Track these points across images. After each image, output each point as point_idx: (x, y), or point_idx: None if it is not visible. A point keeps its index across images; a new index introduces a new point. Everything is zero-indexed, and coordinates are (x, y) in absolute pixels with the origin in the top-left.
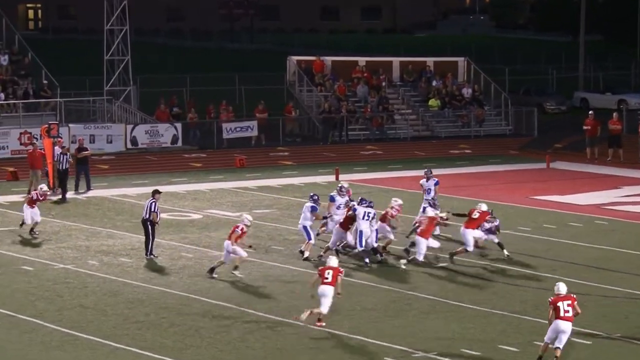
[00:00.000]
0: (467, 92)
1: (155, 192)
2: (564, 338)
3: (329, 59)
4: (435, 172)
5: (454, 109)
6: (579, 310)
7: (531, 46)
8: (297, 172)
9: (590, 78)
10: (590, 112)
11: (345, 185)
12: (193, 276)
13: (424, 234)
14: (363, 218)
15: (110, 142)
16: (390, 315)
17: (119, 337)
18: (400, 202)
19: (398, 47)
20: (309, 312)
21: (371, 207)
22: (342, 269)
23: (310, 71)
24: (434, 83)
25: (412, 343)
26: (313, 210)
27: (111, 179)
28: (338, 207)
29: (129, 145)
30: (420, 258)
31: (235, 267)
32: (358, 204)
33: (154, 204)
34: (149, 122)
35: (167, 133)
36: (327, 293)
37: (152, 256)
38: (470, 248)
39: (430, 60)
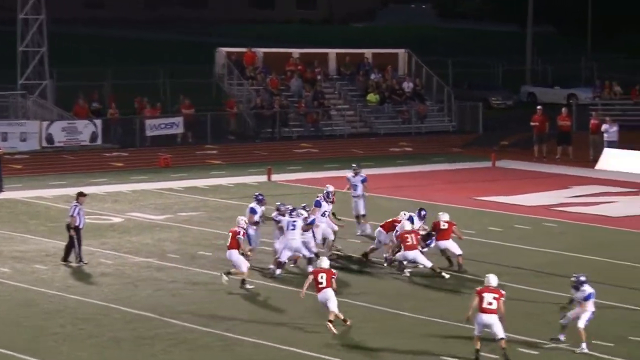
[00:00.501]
0: (407, 86)
1: (80, 195)
2: (496, 330)
3: (260, 51)
4: (374, 171)
5: (394, 104)
6: (503, 311)
7: (476, 37)
8: (226, 172)
9: (538, 71)
10: (538, 108)
11: (332, 189)
12: (113, 284)
13: (414, 247)
14: (288, 229)
15: (24, 140)
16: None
17: (34, 351)
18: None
19: (335, 39)
20: (330, 325)
21: (301, 213)
22: (335, 271)
23: (240, 64)
24: (372, 77)
25: (346, 355)
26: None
27: (25, 180)
28: (323, 214)
29: (45, 144)
30: (429, 264)
31: (244, 281)
32: (288, 214)
33: (75, 207)
34: (66, 119)
35: (86, 130)
36: (328, 296)
37: (81, 263)
38: (459, 251)
39: (368, 52)
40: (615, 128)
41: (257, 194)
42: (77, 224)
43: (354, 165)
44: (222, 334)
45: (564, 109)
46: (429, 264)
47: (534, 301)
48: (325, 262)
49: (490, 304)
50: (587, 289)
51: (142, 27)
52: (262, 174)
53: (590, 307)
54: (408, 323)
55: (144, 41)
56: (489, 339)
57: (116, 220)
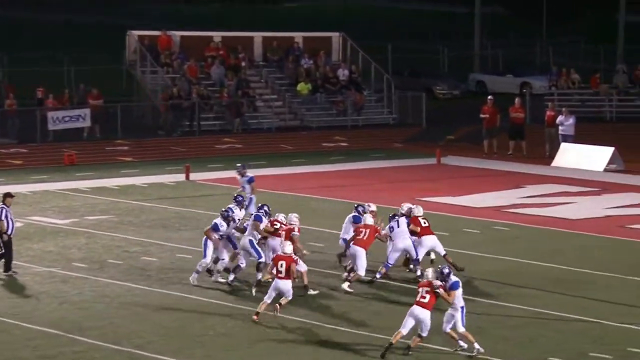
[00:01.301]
0: (343, 74)
1: (6, 196)
2: (423, 326)
3: (177, 34)
4: (306, 169)
5: (328, 94)
6: (447, 298)
7: (419, 19)
8: (139, 170)
9: (488, 57)
10: (488, 98)
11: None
12: (11, 297)
13: (365, 245)
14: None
15: None
16: (252, 341)
17: None
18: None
19: (260, 20)
20: (266, 305)
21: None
22: (296, 257)
23: (154, 49)
24: (303, 63)
25: None
26: (356, 220)
27: None
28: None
29: None
30: (362, 272)
31: (306, 287)
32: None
33: (2, 210)
34: None
35: None
36: (282, 287)
37: (11, 272)
38: (442, 251)
39: (298, 36)
40: (571, 120)
41: (235, 195)
42: (6, 229)
43: (238, 165)
44: (133, 352)
45: (516, 100)
46: (362, 273)
47: (486, 314)
48: (288, 247)
49: (423, 297)
50: (453, 278)
51: (45, 7)
52: (180, 172)
53: (458, 302)
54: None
55: (47, 24)
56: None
57: (15, 225)
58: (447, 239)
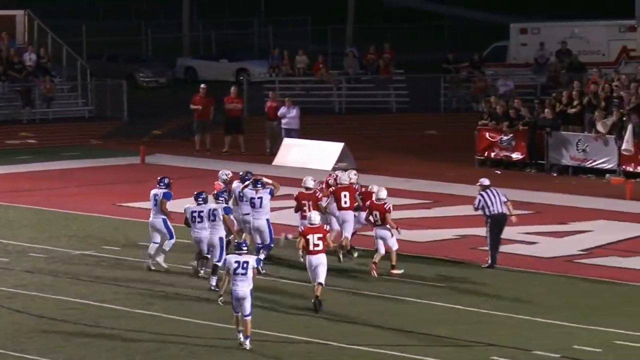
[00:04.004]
0: (29, 58)
1: None
2: (320, 272)
3: None
4: None
5: (12, 82)
6: (330, 244)
7: None
8: None
9: (199, 39)
10: (200, 87)
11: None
12: None
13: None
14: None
15: None
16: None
17: None
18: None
19: None
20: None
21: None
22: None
23: None
24: None
25: None
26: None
27: None
28: None
29: None
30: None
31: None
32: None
33: None
34: None
35: None
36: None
37: None
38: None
39: None
40: (294, 112)
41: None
42: None
43: None
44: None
45: (232, 89)
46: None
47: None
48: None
49: (316, 245)
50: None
51: None
52: None
53: None
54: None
55: None
56: None
57: None
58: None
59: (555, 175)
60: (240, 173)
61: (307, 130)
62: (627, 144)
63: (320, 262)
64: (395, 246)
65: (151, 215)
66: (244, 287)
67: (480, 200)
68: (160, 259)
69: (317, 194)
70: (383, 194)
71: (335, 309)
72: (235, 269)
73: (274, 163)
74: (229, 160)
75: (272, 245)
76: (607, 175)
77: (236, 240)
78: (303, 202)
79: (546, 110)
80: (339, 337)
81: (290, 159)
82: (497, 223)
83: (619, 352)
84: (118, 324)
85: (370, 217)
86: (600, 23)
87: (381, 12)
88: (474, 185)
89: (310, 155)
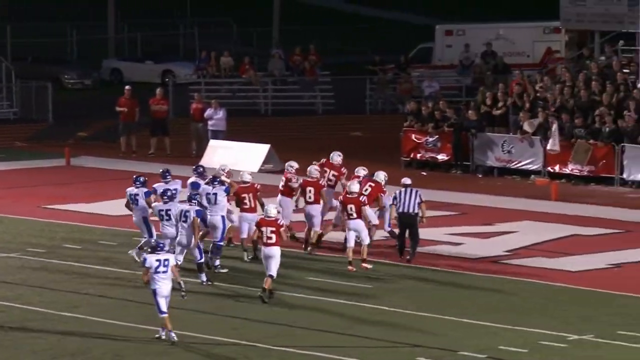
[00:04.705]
0: None
1: None
2: (271, 265)
3: None
4: None
5: None
6: (285, 237)
7: None
8: None
9: (125, 41)
10: (126, 88)
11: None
12: None
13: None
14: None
15: None
16: None
17: None
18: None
19: None
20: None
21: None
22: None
23: None
24: None
25: None
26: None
27: None
28: None
29: None
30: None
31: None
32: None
33: None
34: None
35: None
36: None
37: None
38: (376, 221)
39: None
40: (221, 114)
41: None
42: None
43: None
44: None
45: (158, 90)
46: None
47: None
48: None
49: (269, 237)
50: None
51: None
52: None
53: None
54: None
55: None
56: None
57: None
58: (80, 253)
59: (480, 176)
60: (160, 170)
61: (234, 132)
62: (553, 144)
63: (272, 255)
64: (366, 240)
65: (133, 215)
66: (168, 284)
67: (395, 197)
68: (133, 252)
69: (256, 186)
70: (355, 187)
71: (261, 309)
72: (157, 267)
73: (200, 164)
74: (155, 162)
75: (222, 244)
76: (532, 176)
77: (154, 241)
78: (242, 195)
79: (470, 111)
80: (266, 339)
81: (216, 161)
82: (403, 221)
83: (544, 352)
84: (44, 326)
85: (345, 211)
86: (525, 25)
87: (308, 14)
88: (399, 186)
89: (237, 157)
